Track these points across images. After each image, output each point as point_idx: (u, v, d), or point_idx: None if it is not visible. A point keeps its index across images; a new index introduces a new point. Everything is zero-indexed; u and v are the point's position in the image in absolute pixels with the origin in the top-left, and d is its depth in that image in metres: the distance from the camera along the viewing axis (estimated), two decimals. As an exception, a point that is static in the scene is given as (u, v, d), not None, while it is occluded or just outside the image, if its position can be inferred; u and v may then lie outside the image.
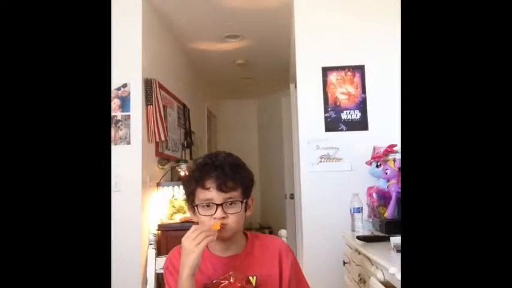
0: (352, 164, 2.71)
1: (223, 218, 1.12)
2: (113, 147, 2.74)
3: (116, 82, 2.81)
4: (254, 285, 1.14)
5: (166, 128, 3.16)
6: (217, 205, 1.12)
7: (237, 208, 1.14)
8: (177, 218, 3.05)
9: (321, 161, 2.75)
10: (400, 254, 1.44)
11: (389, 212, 2.17)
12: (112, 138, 2.77)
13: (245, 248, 1.22)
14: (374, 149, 2.51)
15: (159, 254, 1.47)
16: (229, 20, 3.52)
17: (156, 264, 1.43)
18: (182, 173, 3.27)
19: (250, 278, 1.15)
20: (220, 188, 1.12)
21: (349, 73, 2.81)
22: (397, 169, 2.27)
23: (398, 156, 2.34)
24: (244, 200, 1.16)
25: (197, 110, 4.71)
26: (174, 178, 3.36)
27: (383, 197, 2.28)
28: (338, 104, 2.78)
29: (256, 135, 6.42)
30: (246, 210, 1.18)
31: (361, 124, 2.76)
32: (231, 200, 1.13)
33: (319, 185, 2.74)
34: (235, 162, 1.19)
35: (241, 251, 1.21)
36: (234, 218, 1.14)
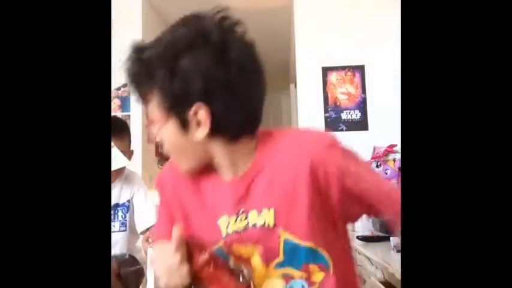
0: (352, 164, 2.70)
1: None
2: (113, 147, 2.74)
3: (115, 82, 2.81)
4: (273, 222, 0.74)
5: (166, 128, 3.16)
6: None
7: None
8: (177, 218, 3.04)
9: (321, 161, 2.75)
10: (400, 254, 1.44)
11: (390, 212, 2.17)
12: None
13: (253, 162, 0.77)
14: (374, 149, 2.51)
15: (159, 254, 1.47)
16: (229, 20, 3.52)
17: (156, 264, 1.43)
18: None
19: (266, 211, 0.74)
20: None
21: (349, 73, 2.81)
22: (397, 169, 2.27)
23: (398, 156, 2.34)
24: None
25: (197, 110, 4.70)
26: (174, 178, 3.35)
27: (383, 197, 2.28)
28: (338, 104, 2.79)
29: (256, 135, 6.41)
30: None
31: (361, 124, 2.76)
32: None
33: (319, 185, 2.73)
34: None
35: (247, 167, 0.77)
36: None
